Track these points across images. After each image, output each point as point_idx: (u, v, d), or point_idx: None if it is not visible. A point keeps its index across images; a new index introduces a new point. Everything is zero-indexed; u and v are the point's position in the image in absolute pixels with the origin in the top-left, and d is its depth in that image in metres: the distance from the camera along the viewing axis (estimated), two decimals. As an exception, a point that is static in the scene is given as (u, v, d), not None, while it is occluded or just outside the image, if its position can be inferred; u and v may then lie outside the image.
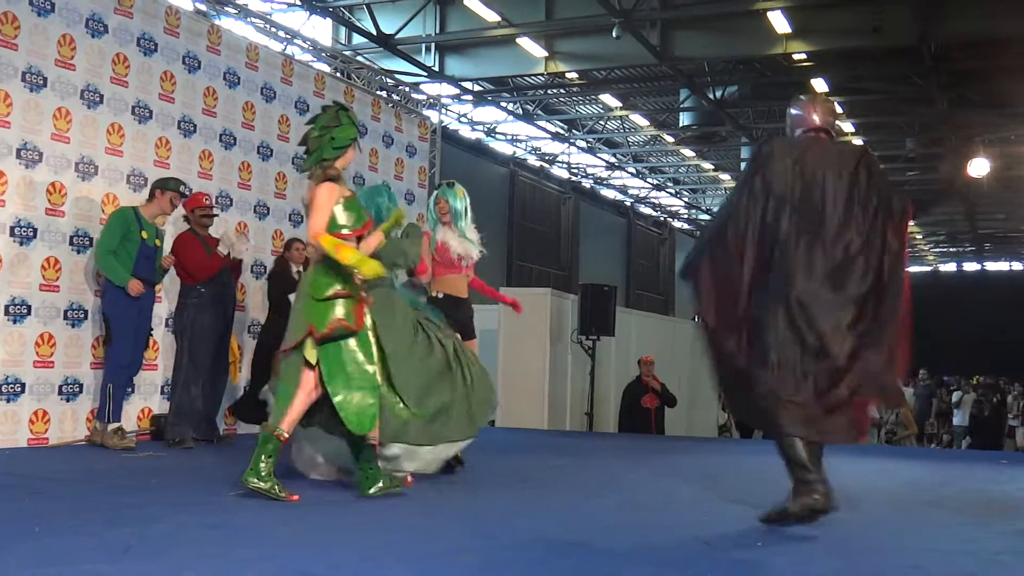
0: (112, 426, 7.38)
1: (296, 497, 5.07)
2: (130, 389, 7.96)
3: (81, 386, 7.82)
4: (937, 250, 41.69)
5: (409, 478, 5.72)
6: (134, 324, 7.50)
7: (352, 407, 5.23)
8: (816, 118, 5.03)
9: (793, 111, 5.16)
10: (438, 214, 7.08)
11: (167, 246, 7.95)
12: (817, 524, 4.66)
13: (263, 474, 5.09)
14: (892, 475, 7.81)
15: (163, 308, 8.25)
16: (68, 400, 7.72)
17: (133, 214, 7.58)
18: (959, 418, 19.42)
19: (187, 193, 8.02)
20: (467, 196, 7.26)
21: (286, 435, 5.25)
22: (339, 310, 5.24)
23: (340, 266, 5.20)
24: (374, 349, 5.42)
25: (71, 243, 7.79)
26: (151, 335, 7.95)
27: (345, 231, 5.34)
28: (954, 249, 41.48)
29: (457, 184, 7.30)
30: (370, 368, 5.33)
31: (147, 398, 8.36)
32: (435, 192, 7.34)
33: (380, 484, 5.28)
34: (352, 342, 5.30)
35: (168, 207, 7.78)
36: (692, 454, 9.40)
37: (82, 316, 7.85)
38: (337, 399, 5.22)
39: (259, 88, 9.79)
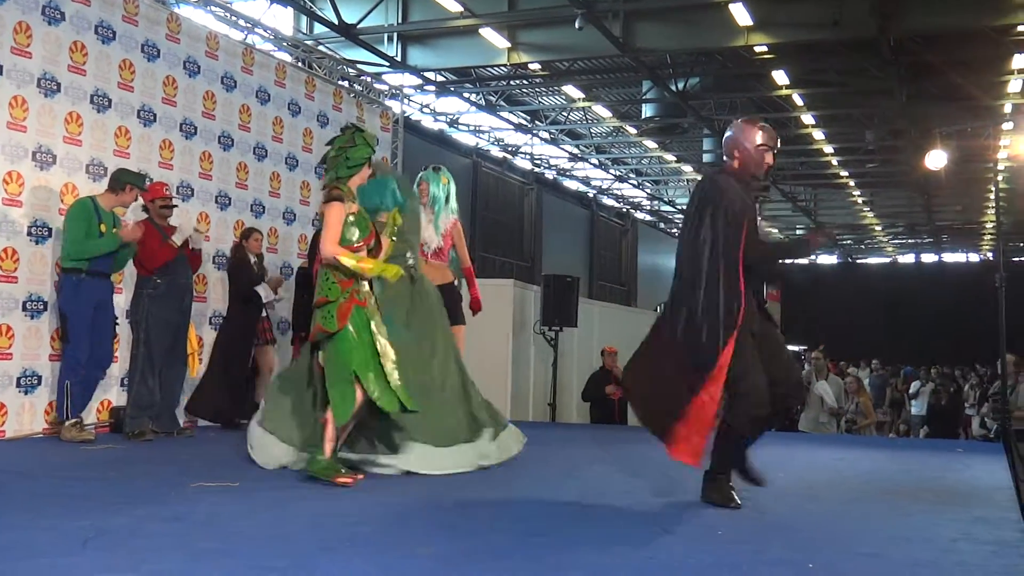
0: (70, 420, 7.31)
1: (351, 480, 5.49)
2: (101, 381, 7.87)
3: (39, 378, 7.72)
4: (896, 241, 42.10)
5: (358, 476, 5.69)
6: (90, 320, 7.42)
7: (335, 399, 5.57)
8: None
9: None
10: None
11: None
12: (780, 513, 4.69)
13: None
14: (852, 464, 7.86)
15: (122, 299, 8.15)
16: (26, 392, 7.63)
17: (92, 205, 7.50)
18: (917, 407, 19.59)
19: (145, 187, 7.94)
20: (452, 184, 7.26)
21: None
22: (319, 316, 5.67)
23: (327, 273, 5.68)
24: (356, 345, 5.62)
25: (29, 233, 7.69)
26: (116, 326, 7.86)
27: (356, 244, 5.74)
28: (912, 240, 41.88)
29: (444, 171, 7.30)
30: (350, 364, 5.56)
31: (106, 390, 8.26)
32: (419, 175, 7.32)
33: (318, 467, 5.52)
34: (338, 341, 5.61)
35: (130, 202, 7.78)
36: (655, 444, 9.41)
37: (41, 308, 7.75)
38: (331, 393, 5.60)
39: (219, 77, 9.70)
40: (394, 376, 5.65)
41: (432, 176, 7.14)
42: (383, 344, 5.69)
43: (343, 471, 5.57)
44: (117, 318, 7.86)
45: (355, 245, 5.73)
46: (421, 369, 6.35)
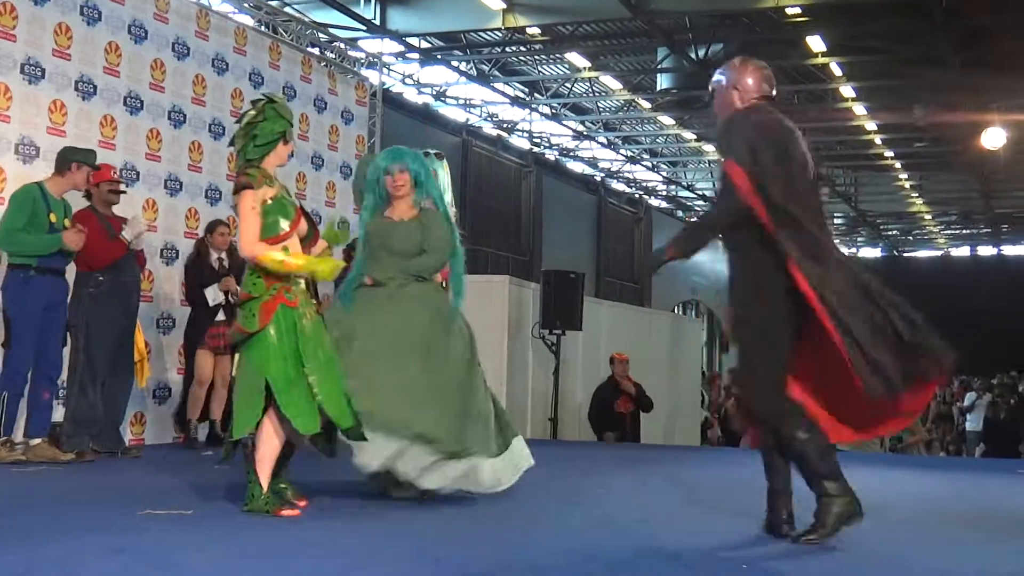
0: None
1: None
2: (54, 396, 7.81)
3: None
4: (948, 232, 42.14)
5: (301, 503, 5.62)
6: (38, 324, 7.40)
7: (238, 409, 5.45)
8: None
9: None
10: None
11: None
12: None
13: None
14: (897, 487, 7.86)
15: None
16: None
17: (39, 192, 7.47)
18: (972, 422, 19.59)
19: (97, 165, 7.88)
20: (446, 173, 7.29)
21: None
22: (239, 314, 5.53)
23: (253, 267, 5.49)
24: (275, 351, 5.41)
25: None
26: (68, 332, 7.83)
27: (282, 233, 5.54)
28: (967, 231, 41.94)
29: (436, 157, 7.30)
30: (264, 372, 5.38)
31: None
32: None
33: (253, 503, 5.37)
34: (255, 343, 5.44)
35: (83, 183, 7.72)
36: (671, 464, 9.43)
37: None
38: (236, 401, 5.51)
39: (170, 43, 9.69)
40: (326, 390, 5.40)
41: (437, 163, 7.12)
42: (317, 353, 5.47)
43: (285, 502, 5.46)
44: (69, 322, 7.83)
45: (281, 234, 5.53)
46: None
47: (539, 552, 4.70)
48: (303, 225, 5.70)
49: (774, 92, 5.49)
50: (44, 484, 5.78)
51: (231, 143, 5.82)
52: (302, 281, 5.58)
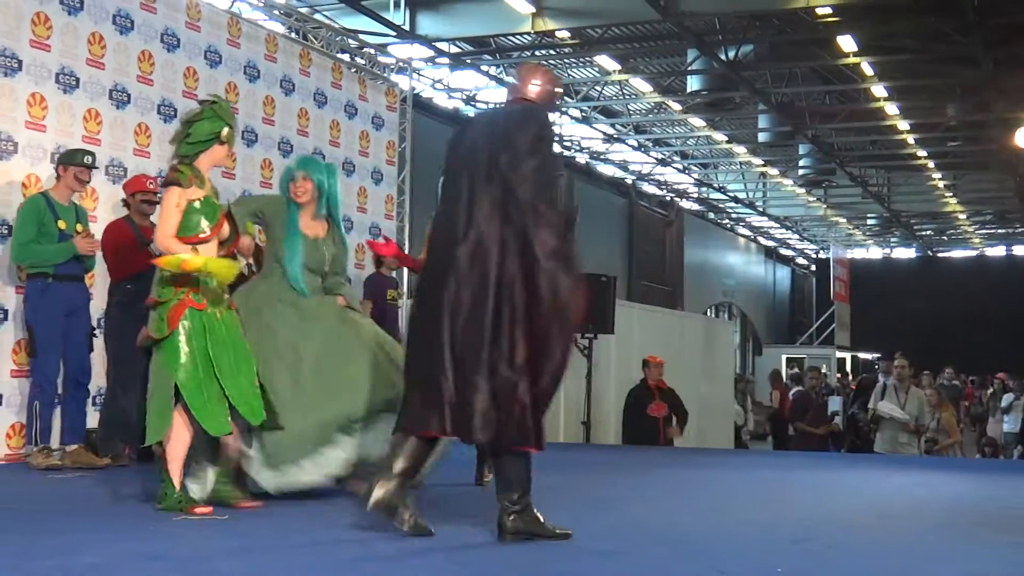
0: (39, 445, 7.37)
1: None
2: (87, 401, 7.93)
3: (0, 397, 7.78)
4: (983, 232, 41.81)
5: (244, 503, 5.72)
6: (60, 331, 7.46)
7: (150, 414, 5.53)
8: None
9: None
10: None
11: (98, 231, 7.91)
12: (847, 546, 4.69)
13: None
14: (931, 490, 7.84)
15: (96, 305, 8.18)
16: (-16, 413, 7.70)
17: (44, 202, 7.52)
18: (1010, 423, 19.47)
19: (92, 164, 7.84)
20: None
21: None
22: (150, 319, 5.59)
23: (161, 273, 5.56)
24: (183, 355, 5.48)
25: (-14, 232, 7.77)
26: (95, 335, 7.89)
27: (202, 234, 5.64)
28: (1003, 230, 41.58)
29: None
30: (173, 376, 5.45)
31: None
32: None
33: (167, 502, 5.47)
34: (164, 348, 5.52)
35: (75, 184, 7.67)
36: (704, 468, 9.42)
37: (2, 316, 7.81)
38: (148, 406, 5.57)
39: (202, 51, 9.75)
40: (237, 388, 5.53)
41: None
42: (228, 352, 5.56)
43: (196, 500, 5.51)
44: (95, 328, 7.89)
45: (200, 236, 5.61)
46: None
47: (570, 555, 4.70)
48: (225, 229, 5.79)
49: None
50: (81, 490, 5.83)
51: (172, 140, 5.91)
52: (213, 280, 5.61)
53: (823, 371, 23.05)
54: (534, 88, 5.33)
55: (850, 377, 28.39)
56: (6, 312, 7.84)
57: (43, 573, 3.91)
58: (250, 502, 5.67)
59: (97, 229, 8.06)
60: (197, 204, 5.61)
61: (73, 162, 7.64)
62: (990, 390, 22.50)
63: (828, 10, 17.12)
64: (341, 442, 6.09)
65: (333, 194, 6.55)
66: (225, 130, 5.77)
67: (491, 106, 24.35)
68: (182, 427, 5.51)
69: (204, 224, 5.62)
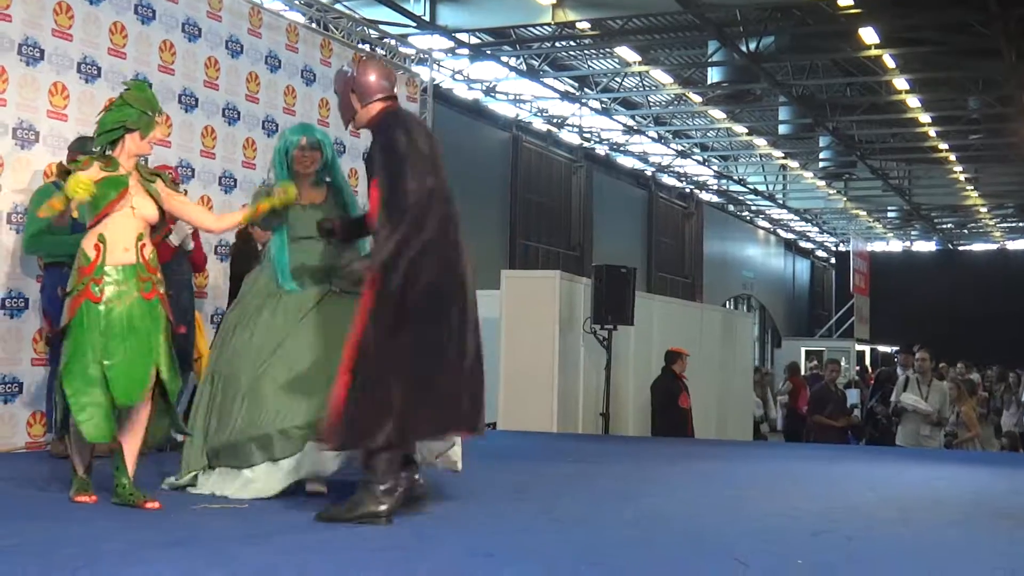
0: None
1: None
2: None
3: (21, 386, 7.82)
4: (1004, 225, 41.65)
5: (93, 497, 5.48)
6: None
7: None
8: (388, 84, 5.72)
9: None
10: None
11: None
12: (868, 539, 4.68)
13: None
14: (951, 483, 7.81)
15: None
16: (6, 402, 7.73)
17: (56, 190, 7.52)
18: (1024, 417, 19.41)
19: (90, 150, 7.83)
20: None
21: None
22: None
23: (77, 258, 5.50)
24: (72, 349, 5.35)
25: (9, 221, 7.79)
26: None
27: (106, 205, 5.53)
28: (1024, 223, 41.48)
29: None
30: (76, 367, 5.32)
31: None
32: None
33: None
34: (66, 340, 5.42)
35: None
36: (724, 460, 9.41)
37: (22, 305, 7.84)
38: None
39: (223, 42, 9.76)
40: (123, 375, 5.32)
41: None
42: (124, 343, 5.34)
43: (88, 489, 5.41)
44: None
45: (97, 215, 5.54)
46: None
47: (590, 546, 4.71)
48: (150, 211, 5.62)
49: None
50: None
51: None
52: (120, 269, 5.45)
53: (842, 364, 22.99)
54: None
55: (869, 371, 28.31)
56: (27, 301, 7.86)
57: (68, 560, 3.92)
58: (86, 496, 5.37)
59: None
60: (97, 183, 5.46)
61: (81, 150, 7.64)
62: (1004, 384, 22.42)
63: (850, 2, 17.07)
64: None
65: (336, 158, 6.42)
66: (136, 117, 5.55)
67: (510, 97, 24.40)
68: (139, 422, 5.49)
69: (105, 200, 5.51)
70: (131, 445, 5.43)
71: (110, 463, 5.43)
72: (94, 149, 5.59)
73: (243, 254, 9.14)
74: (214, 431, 5.88)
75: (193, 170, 9.38)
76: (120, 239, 5.51)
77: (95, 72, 8.48)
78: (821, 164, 29.40)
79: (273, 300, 6.07)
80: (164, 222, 5.76)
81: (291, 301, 6.03)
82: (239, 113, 9.88)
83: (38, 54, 8.02)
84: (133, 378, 5.34)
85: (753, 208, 39.78)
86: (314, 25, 11.26)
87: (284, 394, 5.73)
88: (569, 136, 27.77)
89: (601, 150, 29.52)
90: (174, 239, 7.94)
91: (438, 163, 5.41)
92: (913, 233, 44.41)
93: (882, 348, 35.64)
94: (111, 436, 5.33)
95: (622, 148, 30.08)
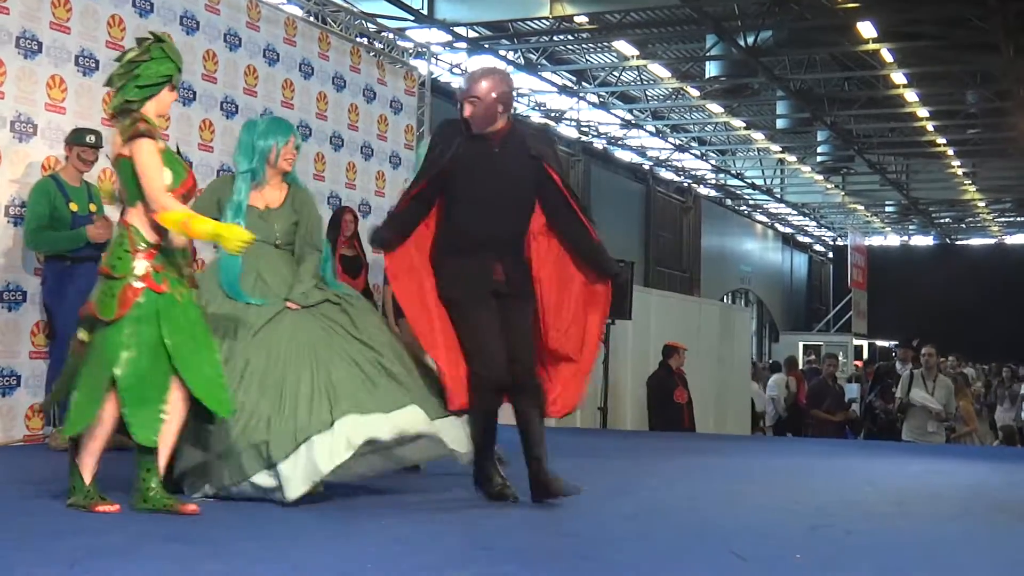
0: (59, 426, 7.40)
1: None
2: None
3: (19, 378, 7.82)
4: (1002, 219, 41.66)
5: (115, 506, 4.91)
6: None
7: (75, 402, 4.86)
8: None
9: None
10: None
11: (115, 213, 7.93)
12: (867, 532, 4.68)
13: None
14: (949, 478, 7.82)
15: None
16: (4, 394, 7.73)
17: (55, 184, 7.50)
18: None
19: (96, 143, 7.70)
20: None
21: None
22: (97, 291, 4.91)
23: (123, 236, 4.91)
24: (129, 346, 4.80)
25: (7, 213, 7.78)
26: None
27: (175, 188, 4.95)
28: (1022, 218, 41.45)
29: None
30: (111, 368, 4.76)
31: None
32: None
33: (75, 497, 4.86)
34: (108, 333, 4.83)
35: (79, 163, 7.59)
36: (723, 454, 9.42)
37: (20, 298, 7.84)
38: (74, 392, 4.89)
39: (221, 34, 9.75)
40: (201, 380, 4.89)
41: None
42: (187, 343, 4.89)
43: (102, 498, 4.85)
44: None
45: (180, 187, 4.97)
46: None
47: (590, 539, 4.72)
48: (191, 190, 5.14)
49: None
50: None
51: (107, 82, 5.16)
52: (180, 253, 4.98)
53: (840, 358, 23.02)
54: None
55: (859, 365, 28.34)
56: (25, 294, 7.86)
57: (69, 553, 3.92)
58: (107, 506, 4.83)
59: (114, 211, 8.08)
60: (167, 154, 5.01)
61: (76, 142, 7.63)
62: (999, 379, 22.48)
63: (848, -4, 17.06)
64: None
65: None
66: (176, 74, 5.11)
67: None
68: (110, 421, 4.85)
69: (171, 178, 4.93)
70: (166, 445, 4.97)
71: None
72: (129, 103, 4.96)
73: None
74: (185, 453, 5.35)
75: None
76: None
77: (93, 65, 8.47)
78: (819, 158, 29.40)
79: (225, 318, 5.55)
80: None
81: (246, 315, 5.60)
82: (237, 106, 9.87)
83: (36, 47, 8.02)
84: (218, 389, 4.95)
85: (751, 202, 39.78)
86: (312, 19, 11.26)
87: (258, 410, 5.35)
88: (567, 130, 27.75)
89: (599, 144, 29.50)
90: None
91: None
92: (911, 227, 44.42)
93: (880, 342, 35.66)
94: (156, 441, 4.88)
95: (620, 142, 30.07)
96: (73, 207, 7.48)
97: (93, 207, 7.62)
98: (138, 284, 4.82)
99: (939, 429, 12.06)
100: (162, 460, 4.95)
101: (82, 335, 4.93)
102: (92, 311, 4.85)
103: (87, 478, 4.85)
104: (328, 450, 5.19)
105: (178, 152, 5.32)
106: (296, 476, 5.19)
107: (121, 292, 4.80)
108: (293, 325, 5.61)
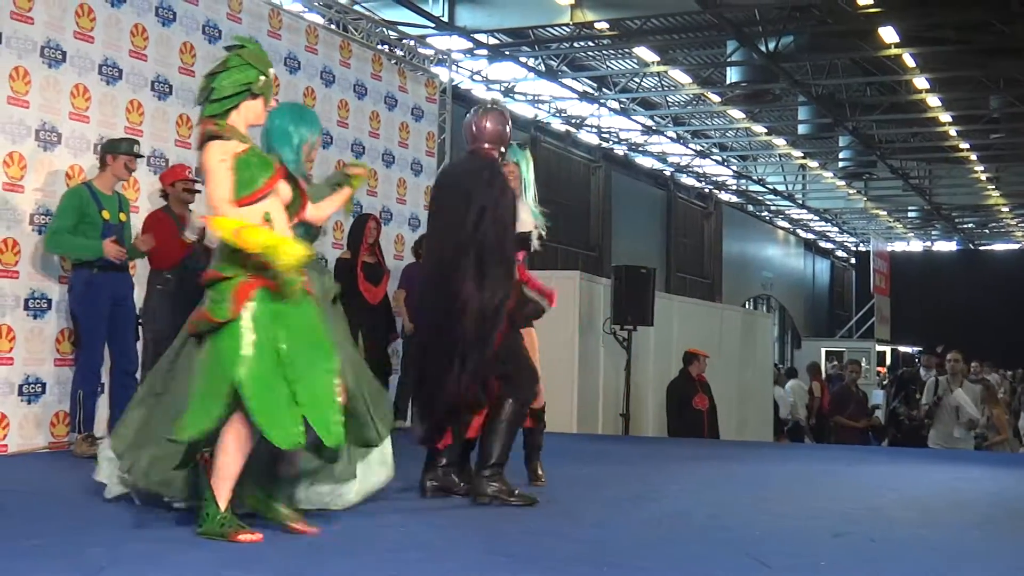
0: (82, 433, 7.44)
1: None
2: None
3: (43, 386, 7.87)
4: (1027, 225, 41.49)
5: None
6: (106, 321, 7.53)
7: (191, 411, 4.51)
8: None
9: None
10: None
11: (138, 221, 7.98)
12: (891, 540, 4.67)
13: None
14: (973, 484, 7.78)
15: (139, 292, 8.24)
16: (29, 402, 7.78)
17: (88, 192, 7.57)
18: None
19: (140, 152, 7.94)
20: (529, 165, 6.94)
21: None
22: (207, 298, 4.64)
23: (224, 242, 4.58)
24: (247, 346, 4.50)
25: (31, 222, 7.83)
26: (140, 324, 7.95)
27: (256, 190, 4.65)
28: (1047, 224, 41.24)
29: (528, 148, 7.11)
30: (232, 371, 4.45)
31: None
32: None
33: (207, 525, 4.48)
34: (224, 335, 4.54)
35: (124, 173, 7.73)
36: (744, 460, 9.39)
37: (45, 306, 7.89)
38: (191, 402, 4.56)
39: (243, 43, 9.79)
40: (311, 395, 4.52)
41: (520, 154, 6.92)
42: (304, 348, 4.59)
43: (241, 526, 4.49)
44: (140, 317, 7.97)
45: (256, 192, 4.64)
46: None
47: (612, 547, 4.72)
48: (286, 190, 4.85)
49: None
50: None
51: (196, 101, 4.95)
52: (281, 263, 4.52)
53: (863, 364, 22.94)
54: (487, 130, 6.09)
55: (881, 371, 28.23)
56: (50, 302, 7.92)
57: (95, 559, 3.95)
58: (249, 535, 4.46)
59: (138, 219, 8.13)
60: (243, 156, 4.65)
61: (123, 151, 7.70)
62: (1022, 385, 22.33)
63: (869, 1, 17.00)
64: None
65: None
66: (260, 79, 4.80)
67: (528, 98, 24.41)
68: (242, 437, 4.50)
69: (260, 179, 4.65)
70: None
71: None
72: (212, 119, 4.74)
73: (350, 265, 9.17)
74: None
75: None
76: (279, 219, 4.77)
77: (116, 74, 8.52)
78: (841, 164, 29.29)
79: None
80: (300, 202, 4.98)
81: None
82: (259, 114, 9.89)
83: (60, 56, 8.08)
84: (330, 411, 4.58)
85: (772, 208, 39.67)
86: (333, 27, 11.30)
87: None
88: (588, 136, 27.74)
89: (620, 150, 29.48)
90: (190, 234, 7.98)
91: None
92: (934, 233, 44.21)
93: (903, 348, 35.50)
94: (302, 440, 4.53)
95: (641, 148, 30.04)
96: (105, 215, 7.54)
97: (123, 216, 7.69)
98: (252, 281, 4.54)
99: (966, 435, 12.01)
100: (222, 487, 4.50)
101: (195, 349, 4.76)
102: (205, 317, 4.59)
103: (222, 504, 4.47)
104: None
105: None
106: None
107: (234, 291, 4.52)
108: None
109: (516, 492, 5.74)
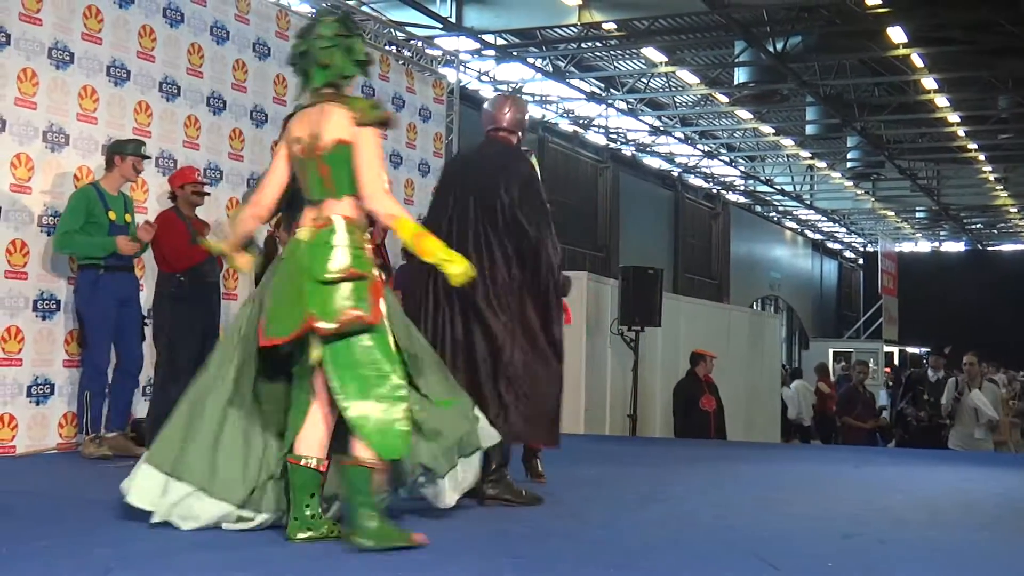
0: (90, 434, 7.45)
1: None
2: (137, 391, 8.06)
3: (53, 387, 7.88)
4: (1036, 226, 41.42)
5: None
6: (112, 321, 7.54)
7: (372, 424, 4.36)
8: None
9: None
10: None
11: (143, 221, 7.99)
12: (899, 541, 4.66)
13: (312, 520, 4.48)
14: (981, 485, 7.76)
15: (145, 295, 8.26)
16: (38, 403, 7.79)
17: (95, 192, 7.59)
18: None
19: (147, 154, 7.96)
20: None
21: (324, 463, 4.52)
22: (350, 296, 4.33)
23: (352, 231, 4.41)
24: (392, 347, 4.48)
25: (39, 223, 7.84)
26: (145, 325, 7.97)
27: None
28: (1056, 225, 41.17)
29: (533, 153, 7.17)
30: (393, 372, 4.41)
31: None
32: None
33: (378, 535, 4.34)
34: (366, 338, 4.39)
35: (132, 174, 7.77)
36: (753, 462, 9.38)
37: (54, 307, 7.90)
38: (352, 413, 4.34)
39: (251, 44, 9.81)
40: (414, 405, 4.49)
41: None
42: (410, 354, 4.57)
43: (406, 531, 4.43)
44: (146, 317, 7.98)
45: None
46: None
47: (619, 547, 4.71)
48: None
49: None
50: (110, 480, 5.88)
51: (293, 60, 4.71)
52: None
53: (871, 365, 22.90)
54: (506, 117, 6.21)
55: (887, 372, 28.16)
56: (59, 303, 7.93)
57: (103, 561, 3.95)
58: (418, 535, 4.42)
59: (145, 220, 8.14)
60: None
61: (131, 152, 7.73)
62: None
63: (877, 1, 16.98)
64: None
65: None
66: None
67: (536, 98, 24.41)
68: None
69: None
70: None
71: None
72: (346, 79, 4.58)
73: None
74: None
75: (222, 172, 9.43)
76: None
77: (124, 75, 8.54)
78: (849, 164, 29.26)
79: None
80: None
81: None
82: (267, 115, 9.92)
83: (68, 57, 8.09)
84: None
85: (780, 209, 39.63)
86: (341, 28, 11.29)
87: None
88: (595, 137, 27.74)
89: (627, 151, 29.47)
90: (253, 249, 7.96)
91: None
92: (942, 233, 44.14)
93: (911, 349, 35.45)
94: (406, 452, 4.52)
95: (648, 149, 30.03)
96: (111, 216, 7.56)
97: (128, 217, 7.70)
98: (381, 281, 4.43)
99: (986, 436, 12.02)
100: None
101: (315, 354, 4.41)
102: (358, 318, 4.32)
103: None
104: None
105: None
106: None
107: (372, 290, 4.36)
108: None
109: (522, 492, 5.75)
